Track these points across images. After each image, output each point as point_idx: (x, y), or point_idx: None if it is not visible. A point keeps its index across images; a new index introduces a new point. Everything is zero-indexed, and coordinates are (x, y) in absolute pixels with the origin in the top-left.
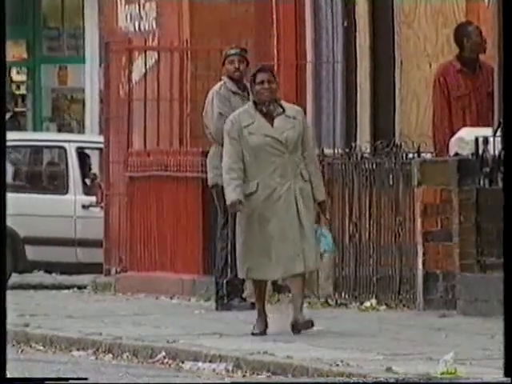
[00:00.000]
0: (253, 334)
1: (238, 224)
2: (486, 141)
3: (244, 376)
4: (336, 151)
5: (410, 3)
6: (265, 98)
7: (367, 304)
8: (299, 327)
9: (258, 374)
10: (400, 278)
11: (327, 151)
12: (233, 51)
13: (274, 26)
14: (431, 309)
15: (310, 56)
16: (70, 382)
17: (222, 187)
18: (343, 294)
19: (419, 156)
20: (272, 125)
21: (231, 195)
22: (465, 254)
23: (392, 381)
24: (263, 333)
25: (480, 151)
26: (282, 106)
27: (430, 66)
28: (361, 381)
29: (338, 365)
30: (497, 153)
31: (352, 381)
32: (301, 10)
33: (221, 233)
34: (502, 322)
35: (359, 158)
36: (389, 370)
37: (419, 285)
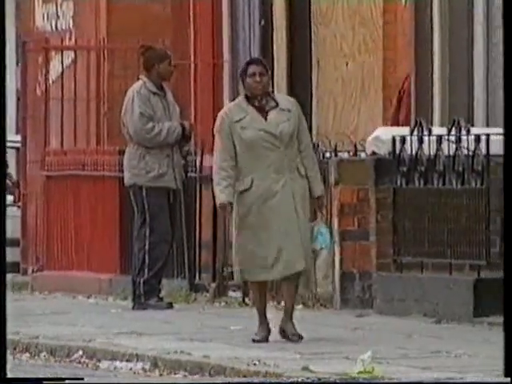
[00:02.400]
0: (254, 340)
1: (233, 222)
2: (402, 140)
3: (161, 375)
4: None
5: (327, 3)
6: (257, 92)
7: (276, 302)
8: (286, 334)
9: (175, 374)
10: (316, 277)
11: None
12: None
13: (191, 24)
14: (348, 308)
15: (226, 55)
16: (67, 381)
17: (140, 187)
18: None
19: (336, 155)
20: (266, 119)
21: (220, 196)
22: (381, 254)
23: (310, 380)
24: (265, 339)
25: (397, 150)
26: (275, 100)
27: (347, 65)
28: (282, 381)
29: (255, 364)
30: (414, 152)
31: (274, 381)
32: (218, 9)
33: (138, 233)
34: (418, 321)
35: None
36: (306, 369)
37: (336, 284)
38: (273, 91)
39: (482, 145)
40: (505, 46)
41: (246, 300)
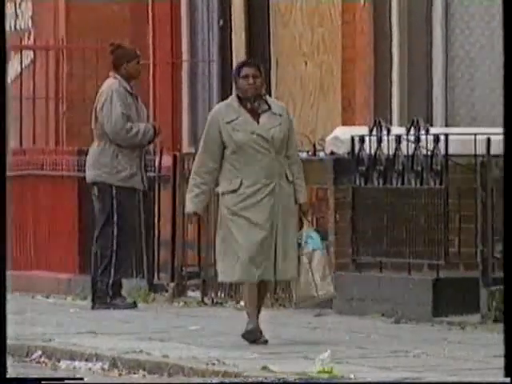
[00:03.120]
0: (243, 337)
1: (218, 222)
2: (361, 140)
3: (120, 375)
4: None
5: (286, 3)
6: (249, 94)
7: (243, 303)
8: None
9: (134, 373)
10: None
11: None
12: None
13: (150, 24)
14: (307, 307)
15: (185, 55)
16: (66, 381)
17: (110, 186)
18: (219, 293)
19: None
20: (258, 122)
21: (188, 206)
22: (340, 253)
23: (269, 380)
24: (255, 339)
25: (356, 150)
26: (267, 103)
27: (306, 64)
28: (241, 381)
29: (213, 364)
30: (372, 152)
31: (234, 381)
32: (176, 9)
33: (101, 232)
34: (377, 320)
35: None
36: (265, 368)
37: (295, 283)
38: (265, 94)
39: (441, 145)
40: (505, 46)
41: (205, 299)
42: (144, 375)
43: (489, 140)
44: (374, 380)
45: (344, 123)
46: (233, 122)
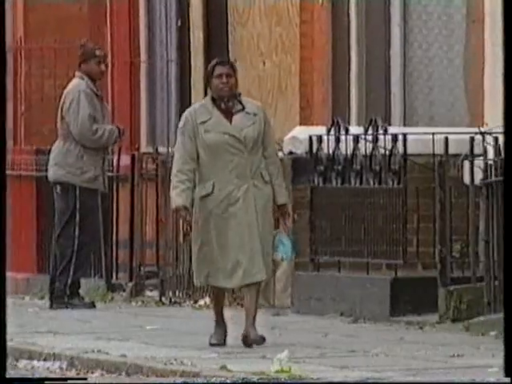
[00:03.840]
0: (211, 344)
1: (194, 228)
2: (319, 139)
3: (78, 374)
4: (170, 150)
5: (244, 3)
6: (223, 94)
7: (201, 302)
8: (250, 342)
9: (92, 373)
10: None
11: (161, 149)
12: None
13: (108, 24)
14: (265, 307)
15: (143, 55)
16: (69, 382)
17: (73, 186)
18: (177, 293)
19: None
20: (230, 122)
21: (176, 200)
22: (299, 253)
23: (229, 381)
24: (222, 343)
25: (314, 150)
26: (241, 103)
27: (264, 64)
28: (200, 381)
29: (172, 363)
30: (331, 151)
31: (192, 381)
32: (135, 9)
33: (63, 231)
34: (335, 320)
35: None
36: (223, 368)
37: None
38: (240, 93)
39: (399, 144)
40: (505, 46)
41: (163, 299)
42: (102, 374)
43: (447, 139)
44: (332, 380)
45: (302, 123)
46: (205, 123)
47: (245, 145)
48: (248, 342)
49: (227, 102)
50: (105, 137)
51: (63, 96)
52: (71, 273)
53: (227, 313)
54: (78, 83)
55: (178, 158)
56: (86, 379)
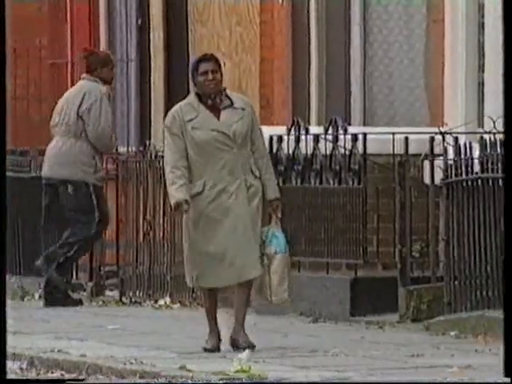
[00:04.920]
0: (205, 349)
1: (184, 227)
2: (280, 139)
3: (38, 374)
4: (130, 150)
5: (204, 2)
6: (209, 91)
7: (161, 302)
8: (238, 343)
9: (52, 372)
10: None
11: (121, 149)
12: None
13: (68, 23)
14: (226, 307)
15: None
16: (67, 382)
17: (87, 183)
18: (137, 293)
19: None
20: (218, 118)
21: (176, 195)
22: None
23: (189, 381)
24: (216, 349)
25: (274, 149)
26: (229, 98)
27: (224, 64)
28: (161, 381)
29: (131, 363)
30: (291, 151)
31: (153, 381)
32: (95, 8)
33: (76, 228)
34: (295, 320)
35: (153, 156)
36: (183, 368)
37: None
38: (225, 88)
39: (359, 144)
40: (505, 46)
41: (123, 299)
42: (62, 374)
43: (407, 139)
44: (292, 380)
45: (262, 122)
46: (192, 121)
47: (234, 141)
48: (237, 343)
49: (214, 99)
50: (114, 143)
51: (80, 96)
52: (68, 270)
53: (186, 313)
54: (96, 86)
55: (171, 154)
56: (83, 380)
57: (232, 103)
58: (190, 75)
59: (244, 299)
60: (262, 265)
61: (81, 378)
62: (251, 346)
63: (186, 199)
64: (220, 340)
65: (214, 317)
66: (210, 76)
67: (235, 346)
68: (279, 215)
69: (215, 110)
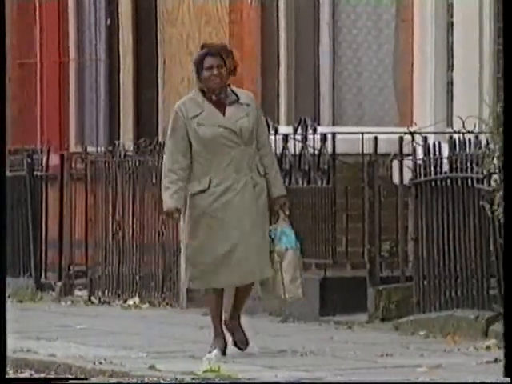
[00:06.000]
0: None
1: (186, 226)
2: None
3: (7, 374)
4: (99, 149)
5: (173, 2)
6: (215, 86)
7: (130, 302)
8: (235, 339)
9: (21, 372)
10: (163, 276)
11: (90, 149)
12: None
13: (37, 23)
14: (194, 307)
15: (73, 54)
16: (71, 381)
17: None
18: (106, 292)
19: None
20: (224, 114)
21: (168, 202)
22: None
23: (160, 381)
24: (223, 353)
25: None
26: (235, 93)
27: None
28: (138, 381)
29: (101, 363)
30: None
31: (134, 381)
32: (64, 8)
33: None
34: (264, 319)
35: (122, 156)
36: (152, 367)
37: (182, 283)
38: (230, 84)
39: (328, 144)
40: (505, 46)
41: (92, 299)
42: (31, 374)
43: (376, 139)
44: (261, 379)
45: None
46: (197, 117)
47: (241, 137)
48: (229, 326)
49: (219, 94)
50: None
51: None
52: None
53: (155, 313)
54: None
55: (168, 156)
56: (87, 379)
57: (238, 99)
58: (194, 69)
59: (247, 296)
60: (273, 263)
61: (49, 377)
62: (246, 344)
63: (177, 208)
64: (226, 344)
65: (220, 320)
66: (216, 71)
67: (228, 328)
68: (287, 212)
69: (220, 106)
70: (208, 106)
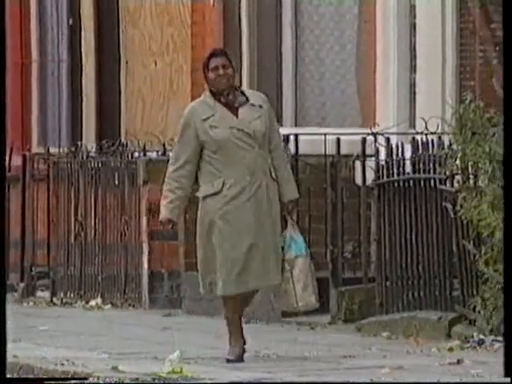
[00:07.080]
0: (228, 361)
1: (199, 230)
2: None
3: None
4: (61, 150)
5: (135, 2)
6: (222, 87)
7: (92, 303)
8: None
9: None
10: (125, 276)
11: (53, 150)
12: None
13: None
14: (157, 308)
15: (35, 54)
16: (69, 382)
17: None
18: (69, 293)
19: (145, 155)
20: (236, 115)
21: (162, 211)
22: (190, 253)
23: (121, 381)
24: (240, 359)
25: None
26: (244, 94)
27: (156, 64)
28: (94, 381)
29: (63, 364)
30: None
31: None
32: (26, 8)
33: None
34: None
35: (85, 157)
36: (115, 368)
37: (144, 284)
38: (239, 86)
39: (291, 145)
40: (505, 46)
41: (54, 300)
42: None
43: (338, 140)
44: (224, 380)
45: None
46: (209, 120)
47: (255, 139)
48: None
49: (228, 95)
50: None
51: None
52: None
53: (117, 314)
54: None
55: (173, 162)
56: (86, 379)
57: (247, 99)
58: (202, 71)
59: (248, 303)
60: (283, 273)
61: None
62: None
63: (170, 218)
64: (244, 350)
65: (240, 325)
66: (221, 71)
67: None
68: (294, 218)
69: (232, 108)
70: (220, 108)
